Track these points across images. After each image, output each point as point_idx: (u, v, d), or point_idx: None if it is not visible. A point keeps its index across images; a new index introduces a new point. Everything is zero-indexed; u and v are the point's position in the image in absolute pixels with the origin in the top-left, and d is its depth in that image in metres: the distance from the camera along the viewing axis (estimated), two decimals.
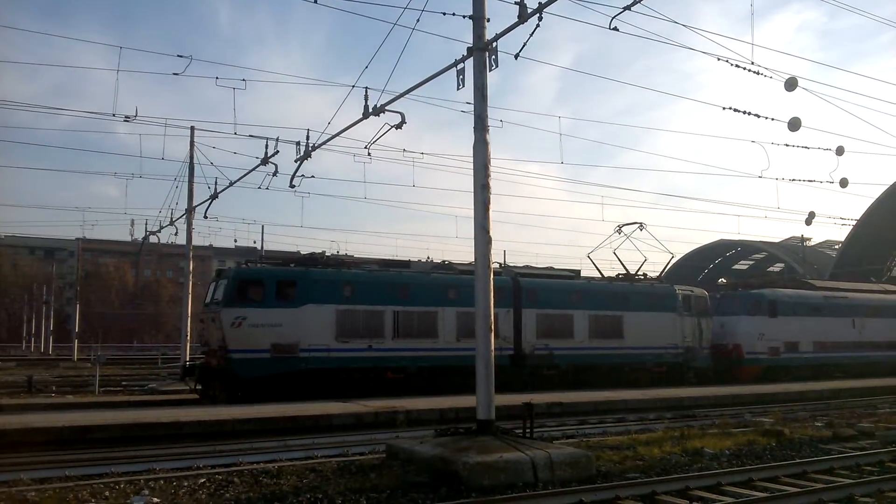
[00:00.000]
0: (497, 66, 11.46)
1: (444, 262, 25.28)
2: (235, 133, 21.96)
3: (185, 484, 9.22)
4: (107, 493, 8.62)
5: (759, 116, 16.17)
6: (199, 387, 20.39)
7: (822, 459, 11.27)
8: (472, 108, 11.62)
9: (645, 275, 28.20)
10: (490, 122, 11.52)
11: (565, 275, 26.32)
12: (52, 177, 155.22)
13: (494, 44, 11.50)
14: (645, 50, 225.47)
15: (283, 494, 8.63)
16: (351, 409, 16.47)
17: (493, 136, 11.56)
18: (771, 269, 72.06)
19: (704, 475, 9.79)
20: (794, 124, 15.26)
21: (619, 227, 27.37)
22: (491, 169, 11.41)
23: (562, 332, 24.18)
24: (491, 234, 11.43)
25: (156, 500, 8.33)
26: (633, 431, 14.54)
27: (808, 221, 25.09)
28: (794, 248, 58.99)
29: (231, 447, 12.73)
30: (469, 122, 11.60)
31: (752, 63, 13.64)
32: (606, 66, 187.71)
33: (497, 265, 25.00)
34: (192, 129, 28.04)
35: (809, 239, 58.81)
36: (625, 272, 27.89)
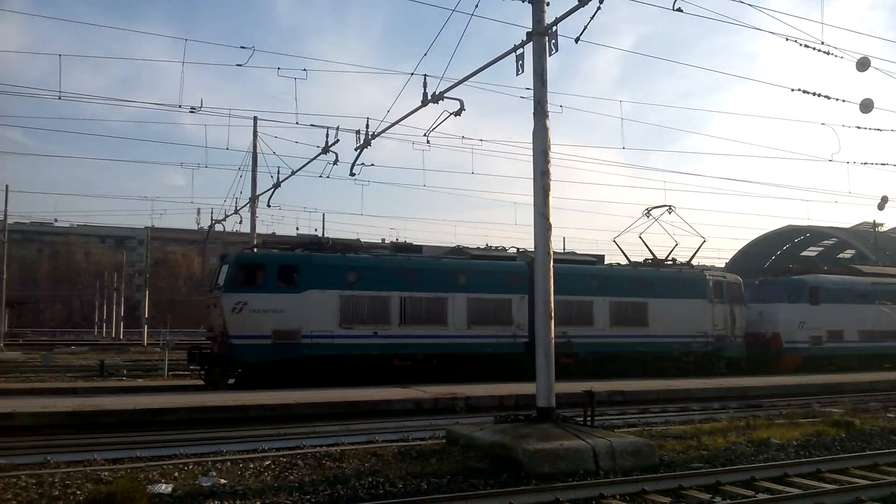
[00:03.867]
0: (557, 51, 11.34)
1: (457, 246, 24.77)
2: (297, 123, 22.46)
3: (251, 466, 9.44)
4: (176, 474, 8.89)
5: (829, 98, 15.65)
6: (202, 372, 20.04)
7: (894, 451, 10.89)
8: (531, 93, 11.54)
9: (674, 260, 26.95)
10: (549, 108, 11.41)
11: (586, 260, 25.57)
12: (121, 167, 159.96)
13: (554, 28, 11.36)
14: (709, 31, 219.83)
15: (346, 477, 8.77)
16: (411, 394, 16.61)
17: (552, 122, 11.46)
18: (841, 255, 69.77)
19: (771, 466, 9.59)
20: (867, 106, 14.72)
21: (648, 210, 26.24)
22: (551, 155, 11.30)
23: (581, 319, 23.29)
24: (551, 220, 11.30)
25: (223, 480, 8.55)
26: (697, 421, 14.31)
27: (881, 206, 24.01)
28: (866, 234, 56.94)
29: (295, 430, 13.01)
30: (528, 107, 11.53)
31: (822, 43, 13.21)
32: (668, 49, 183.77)
33: (514, 250, 24.49)
34: (255, 119, 28.60)
35: (882, 224, 56.58)
36: (652, 257, 26.86)
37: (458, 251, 24.05)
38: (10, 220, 43.17)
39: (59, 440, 11.74)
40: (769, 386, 20.90)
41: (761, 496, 8.17)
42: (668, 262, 26.68)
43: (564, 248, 26.71)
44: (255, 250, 21.40)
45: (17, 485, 8.14)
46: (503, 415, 11.86)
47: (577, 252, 27.23)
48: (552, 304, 11.23)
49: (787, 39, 12.94)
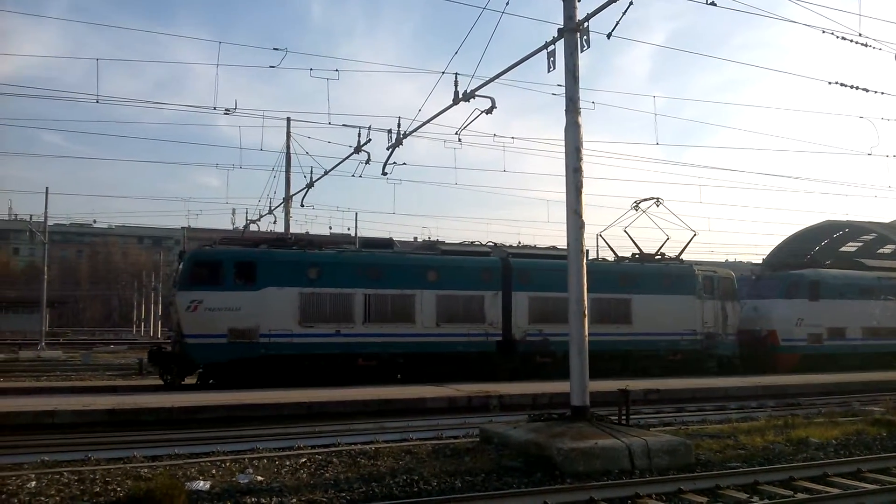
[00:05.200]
0: (589, 47, 11.26)
1: (431, 241, 24.13)
2: (329, 123, 22.54)
3: (287, 463, 9.53)
4: (213, 471, 9.00)
5: (867, 91, 15.35)
6: (164, 373, 19.66)
7: None
8: (563, 90, 11.47)
9: (663, 255, 25.82)
10: (581, 104, 11.33)
11: (565, 255, 24.51)
12: (157, 169, 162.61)
13: (586, 24, 11.28)
14: (742, 25, 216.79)
15: (381, 475, 8.81)
16: (444, 392, 16.64)
17: (584, 118, 11.38)
18: (881, 251, 68.36)
19: (810, 465, 9.44)
20: None
21: (637, 203, 25.04)
22: (583, 152, 11.23)
23: (559, 316, 21.60)
24: (584, 218, 11.24)
25: (259, 478, 8.65)
26: (734, 420, 14.11)
27: None
28: None
29: (329, 428, 13.10)
30: (560, 104, 11.46)
31: (860, 35, 12.95)
32: (701, 44, 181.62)
33: (491, 245, 23.92)
34: (288, 120, 28.91)
35: None
36: (638, 252, 25.82)
37: (432, 246, 23.38)
38: (50, 222, 44.01)
39: (99, 437, 11.97)
40: (807, 384, 20.56)
41: (800, 496, 8.05)
42: (657, 257, 25.66)
43: (598, 246, 26.03)
44: (214, 247, 20.83)
45: (60, 481, 8.31)
46: (537, 413, 11.84)
47: (558, 247, 26.20)
48: (585, 303, 11.22)
49: (823, 32, 12.72)
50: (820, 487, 8.48)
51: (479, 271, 21.78)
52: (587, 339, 10.99)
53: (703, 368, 23.98)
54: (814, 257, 42.31)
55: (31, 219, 46.23)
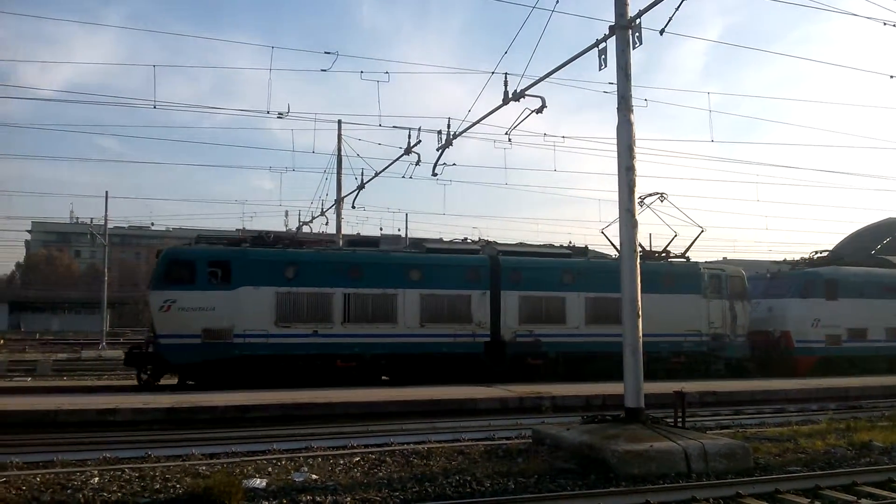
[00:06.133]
0: (641, 44, 11.13)
1: (417, 240, 23.39)
2: (380, 125, 22.75)
3: (341, 462, 9.62)
4: (269, 469, 9.14)
5: None
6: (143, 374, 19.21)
7: None
8: (614, 88, 11.35)
9: (668, 252, 24.46)
10: (634, 102, 11.20)
11: (560, 252, 23.41)
12: (213, 172, 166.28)
13: (638, 20, 11.16)
14: (801, 18, 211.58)
15: (433, 475, 8.83)
16: (496, 393, 16.60)
17: (637, 116, 11.24)
18: None
19: (873, 470, 9.20)
20: None
21: (641, 199, 23.19)
22: (636, 150, 11.09)
23: (551, 316, 21.56)
24: (637, 217, 11.09)
25: (314, 476, 8.74)
26: (794, 423, 13.78)
27: None
28: None
29: (382, 427, 13.18)
30: (612, 102, 11.35)
31: None
32: (756, 39, 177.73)
33: (482, 241, 23.25)
34: (340, 122, 29.19)
35: None
36: (641, 249, 24.67)
37: (417, 245, 22.66)
38: (109, 225, 45.27)
39: (158, 435, 12.25)
40: (870, 386, 19.94)
41: (864, 501, 7.84)
42: (661, 255, 24.42)
43: (651, 245, 25.15)
44: (191, 245, 20.42)
45: (122, 478, 8.53)
46: (590, 415, 11.72)
47: (555, 244, 25.05)
48: (639, 303, 11.07)
49: (885, 24, 12.34)
50: (885, 493, 8.24)
51: (466, 270, 21.11)
52: (641, 339, 10.80)
53: (709, 371, 22.91)
54: (877, 254, 40.38)
55: (91, 222, 47.74)
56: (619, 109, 11.13)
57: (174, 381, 19.50)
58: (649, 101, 16.35)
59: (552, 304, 21.63)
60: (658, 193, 23.45)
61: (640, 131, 11.19)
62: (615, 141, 11.20)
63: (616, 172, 11.14)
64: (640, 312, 10.92)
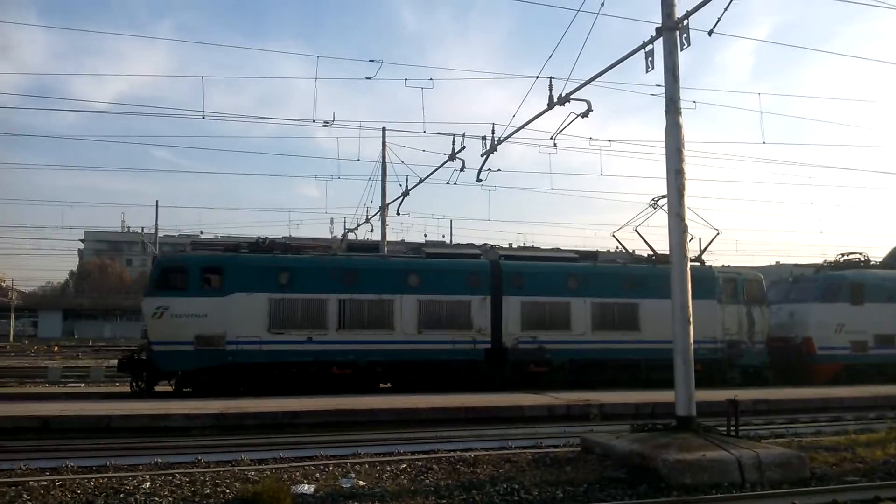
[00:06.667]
0: (689, 45, 10.94)
1: (418, 244, 22.71)
2: (424, 131, 22.76)
3: (388, 468, 9.60)
4: (317, 475, 9.17)
5: None
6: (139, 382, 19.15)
7: None
8: (662, 90, 11.17)
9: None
10: (682, 104, 10.99)
11: (565, 257, 22.72)
12: (260, 180, 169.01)
13: (685, 21, 10.97)
14: (853, 15, 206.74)
15: (480, 483, 8.75)
16: (543, 401, 16.45)
17: (685, 118, 11.03)
18: None
19: None
20: None
21: (655, 201, 22.39)
22: (685, 153, 10.89)
23: (555, 322, 20.96)
24: (686, 221, 10.88)
25: (361, 482, 8.74)
26: (852, 431, 13.33)
27: None
28: None
29: (427, 434, 13.15)
30: (659, 104, 11.18)
31: None
32: (807, 38, 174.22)
33: (486, 246, 22.70)
34: (384, 130, 29.31)
35: None
36: (652, 252, 23.29)
37: (418, 250, 22.31)
38: (160, 233, 46.28)
39: (208, 441, 12.39)
40: None
41: None
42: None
43: (700, 250, 24.38)
44: (187, 251, 20.40)
45: (172, 482, 8.63)
46: (640, 423, 11.53)
47: (561, 248, 24.38)
48: (689, 309, 10.82)
49: None
50: None
51: (466, 275, 20.68)
52: (692, 346, 10.57)
53: (724, 379, 21.86)
54: None
55: (142, 231, 48.81)
56: (667, 112, 10.94)
57: (170, 388, 19.48)
58: (698, 102, 16.01)
59: (556, 310, 21.12)
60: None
61: (688, 133, 10.99)
62: (663, 144, 11.02)
63: (664, 176, 10.96)
64: (690, 319, 10.68)
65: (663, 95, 11.09)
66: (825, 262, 26.70)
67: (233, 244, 20.90)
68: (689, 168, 11.07)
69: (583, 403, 15.92)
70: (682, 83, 11.01)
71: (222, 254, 19.92)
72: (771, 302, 24.40)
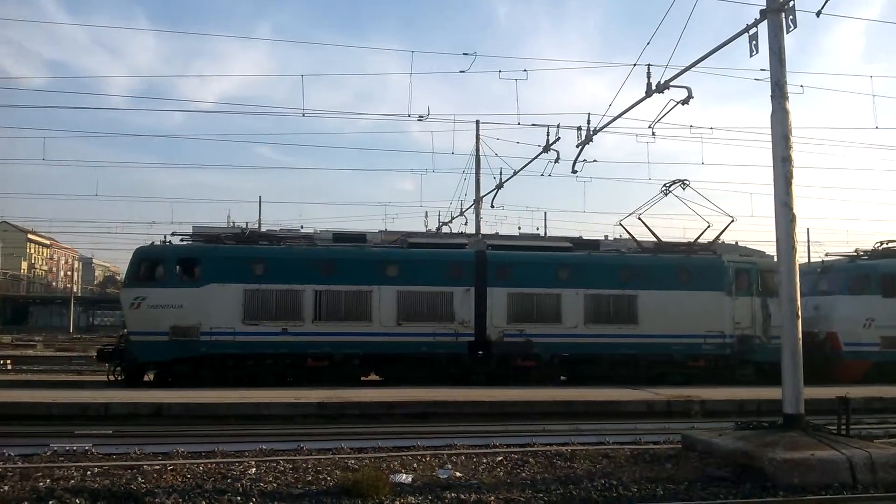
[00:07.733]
0: (795, 27, 10.50)
1: (403, 235, 21.55)
2: (518, 123, 22.76)
3: (484, 461, 9.65)
4: (415, 465, 9.31)
5: None
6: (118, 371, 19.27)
7: None
8: (766, 74, 10.77)
9: (689, 244, 22.03)
10: (789, 88, 10.57)
11: (556, 246, 21.54)
12: (358, 175, 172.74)
13: (791, 2, 10.52)
14: None
15: (578, 478, 8.68)
16: (642, 396, 16.15)
17: (792, 103, 10.60)
18: None
19: None
20: None
21: (667, 187, 21.52)
22: (792, 139, 10.45)
23: (545, 315, 20.00)
24: (795, 211, 10.43)
25: (458, 473, 8.81)
26: None
27: None
28: None
29: (522, 427, 13.12)
30: (764, 90, 10.77)
31: None
32: None
33: (475, 236, 22.11)
34: (478, 123, 29.48)
35: None
36: (656, 240, 22.10)
37: (400, 240, 21.74)
38: (263, 228, 47.74)
39: (309, 429, 12.75)
40: None
41: None
42: (681, 246, 22.05)
43: (808, 241, 23.07)
44: (166, 242, 20.31)
45: (276, 469, 8.95)
46: (745, 421, 11.15)
47: (553, 236, 23.37)
48: (798, 303, 10.37)
49: None
50: None
51: (448, 265, 19.99)
52: (800, 342, 10.15)
53: (734, 377, 20.45)
54: None
55: (246, 225, 50.39)
56: (772, 97, 10.53)
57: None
58: (805, 86, 15.30)
59: (546, 302, 20.20)
60: (680, 181, 21.45)
61: (796, 119, 10.53)
62: (769, 130, 10.61)
63: (770, 164, 10.55)
64: (799, 313, 10.23)
65: (768, 80, 10.69)
66: (857, 250, 24.36)
67: (214, 235, 20.79)
68: (797, 155, 10.62)
69: (684, 399, 15.55)
70: (788, 67, 10.59)
71: (199, 245, 19.97)
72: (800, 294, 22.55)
